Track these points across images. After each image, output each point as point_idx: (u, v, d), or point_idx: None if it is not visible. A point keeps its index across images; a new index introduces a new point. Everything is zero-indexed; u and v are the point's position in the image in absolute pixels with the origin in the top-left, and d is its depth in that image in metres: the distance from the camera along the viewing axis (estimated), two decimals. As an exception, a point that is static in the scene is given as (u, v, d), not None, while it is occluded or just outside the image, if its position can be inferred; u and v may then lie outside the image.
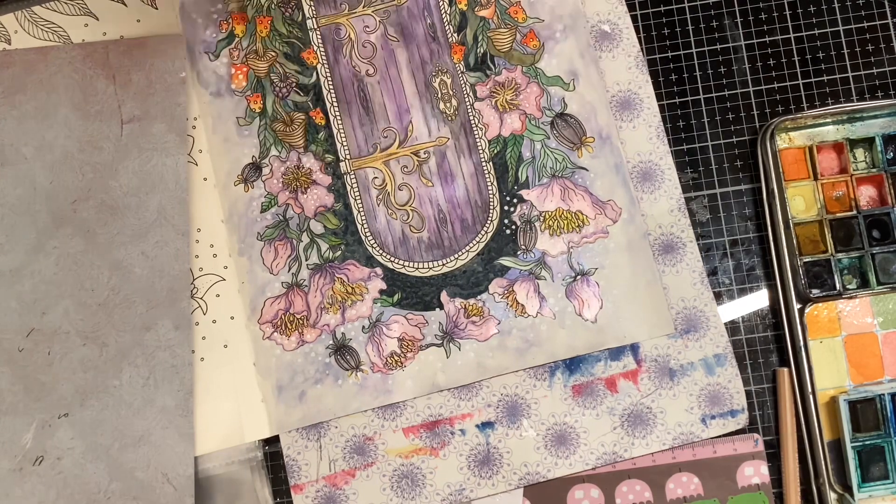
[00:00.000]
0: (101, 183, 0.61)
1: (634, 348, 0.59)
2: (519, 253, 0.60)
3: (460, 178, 0.61)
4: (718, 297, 0.59)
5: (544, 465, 0.58)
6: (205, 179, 0.62)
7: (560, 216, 0.60)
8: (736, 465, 0.57)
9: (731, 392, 0.57)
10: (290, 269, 0.61)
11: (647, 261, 0.59)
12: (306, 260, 0.61)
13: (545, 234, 0.60)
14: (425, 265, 0.60)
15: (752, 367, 0.59)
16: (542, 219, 0.60)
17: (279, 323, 0.61)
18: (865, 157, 0.59)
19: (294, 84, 0.62)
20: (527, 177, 0.60)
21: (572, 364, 0.59)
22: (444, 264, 0.60)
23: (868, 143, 0.58)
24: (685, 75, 0.61)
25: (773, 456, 0.57)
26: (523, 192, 0.60)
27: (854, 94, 0.60)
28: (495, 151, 0.61)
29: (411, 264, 0.61)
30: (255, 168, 0.62)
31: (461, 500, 0.59)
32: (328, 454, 0.59)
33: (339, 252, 0.61)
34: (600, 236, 0.59)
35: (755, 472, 0.57)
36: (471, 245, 0.60)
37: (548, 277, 0.59)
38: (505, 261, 0.60)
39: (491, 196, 0.61)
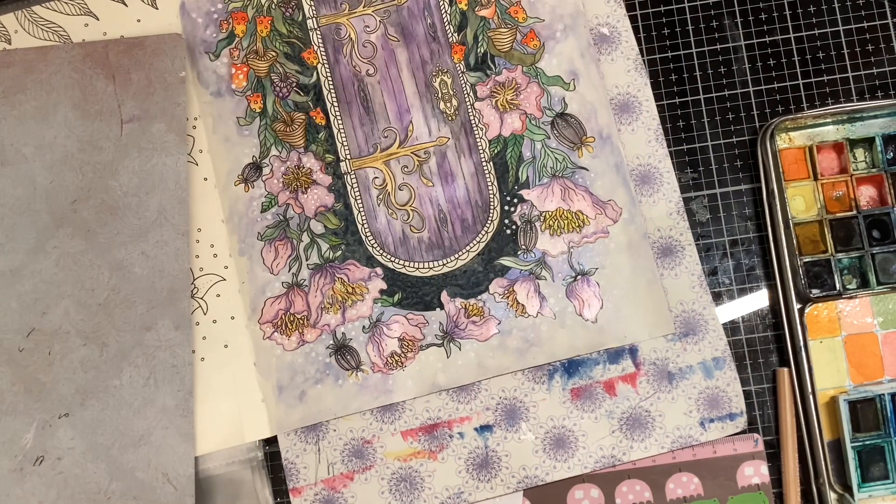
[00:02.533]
0: (101, 183, 0.61)
1: (633, 351, 0.59)
2: (519, 253, 0.60)
3: (461, 178, 0.61)
4: (718, 297, 0.59)
5: (543, 469, 0.58)
6: (205, 179, 0.62)
7: (560, 216, 0.60)
8: (736, 465, 0.57)
9: (729, 395, 0.57)
10: (290, 269, 0.61)
11: (648, 261, 0.59)
12: (307, 260, 0.61)
13: (545, 234, 0.60)
14: (426, 265, 0.60)
15: (752, 367, 0.58)
16: (542, 219, 0.60)
17: (279, 323, 0.60)
18: (865, 157, 0.59)
19: (294, 84, 0.62)
20: (527, 177, 0.60)
21: (571, 367, 0.59)
22: (444, 264, 0.60)
23: (868, 143, 0.58)
24: (685, 75, 0.61)
25: (773, 456, 0.57)
26: (524, 192, 0.60)
27: (854, 94, 0.60)
28: (496, 151, 0.61)
29: (412, 264, 0.60)
30: (256, 168, 0.62)
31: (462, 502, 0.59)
32: (326, 457, 0.59)
33: (340, 252, 0.61)
34: (601, 236, 0.59)
35: (755, 472, 0.57)
36: (471, 245, 0.60)
37: (548, 277, 0.59)
38: (505, 261, 0.60)
39: (491, 196, 0.60)
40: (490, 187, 0.60)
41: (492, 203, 0.60)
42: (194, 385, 0.59)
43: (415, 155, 0.61)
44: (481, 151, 0.61)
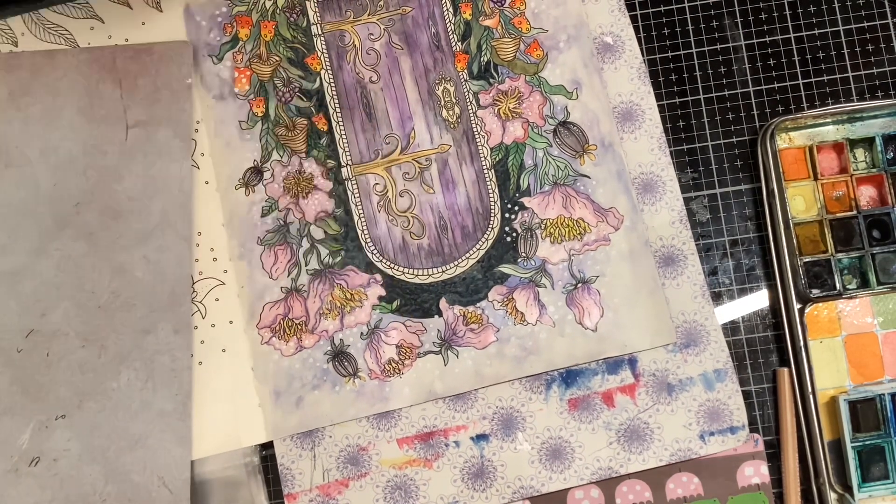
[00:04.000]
0: (104, 186, 0.61)
1: (632, 362, 0.58)
2: (519, 260, 0.59)
3: (462, 186, 0.61)
4: (718, 297, 0.59)
5: (538, 479, 0.57)
6: (206, 183, 0.62)
7: (561, 224, 0.59)
8: (736, 465, 0.57)
9: (730, 408, 0.56)
10: (289, 275, 0.61)
11: (650, 269, 0.58)
12: (306, 265, 0.61)
13: (546, 242, 0.59)
14: (425, 272, 0.60)
15: (752, 367, 0.58)
16: (543, 226, 0.59)
17: (278, 328, 0.60)
18: (865, 157, 0.59)
19: (297, 89, 0.62)
20: (528, 184, 0.60)
21: (569, 377, 0.58)
22: (443, 271, 0.60)
23: (868, 143, 0.58)
24: (685, 75, 0.61)
25: (773, 456, 0.57)
26: (524, 200, 0.60)
27: (854, 94, 0.60)
28: (497, 159, 0.60)
29: (411, 271, 0.60)
30: (257, 172, 0.62)
31: (456, 511, 0.58)
32: (322, 463, 0.59)
33: (339, 258, 0.61)
34: (602, 244, 0.59)
35: (755, 472, 0.57)
36: (471, 252, 0.60)
37: (548, 285, 0.59)
38: (505, 268, 0.59)
39: (492, 203, 0.60)
40: (491, 195, 0.60)
41: (492, 210, 0.60)
42: (192, 389, 0.59)
43: (416, 162, 0.61)
44: (483, 159, 0.61)
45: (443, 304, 0.59)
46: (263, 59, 0.62)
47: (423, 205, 0.61)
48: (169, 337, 0.59)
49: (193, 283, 0.61)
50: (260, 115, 0.62)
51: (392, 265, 0.60)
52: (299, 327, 0.60)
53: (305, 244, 0.61)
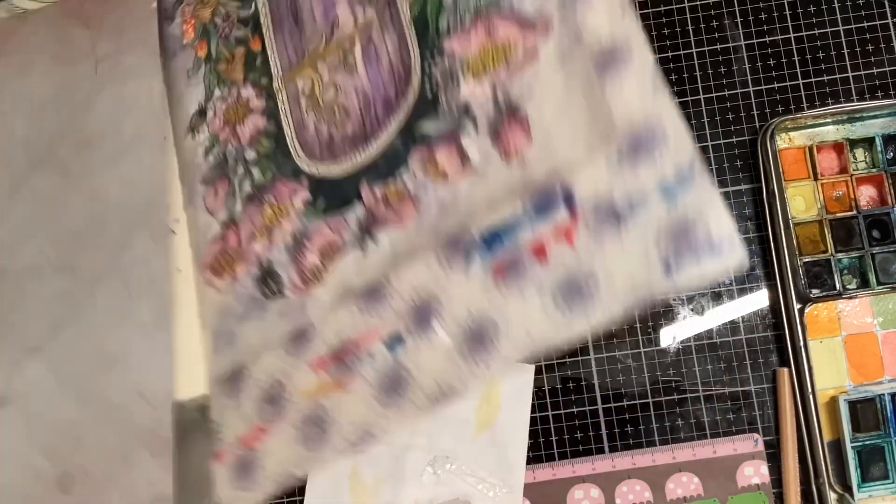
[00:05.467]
0: (78, 118, 0.61)
1: (568, 198, 0.41)
2: (442, 113, 0.47)
3: (385, 55, 0.50)
4: (718, 297, 0.57)
5: (460, 378, 0.42)
6: (165, 139, 0.59)
7: (484, 55, 0.46)
8: (736, 465, 0.56)
9: (705, 217, 0.36)
10: (226, 206, 0.54)
11: (583, 65, 0.42)
12: (240, 192, 0.54)
13: (469, 81, 0.46)
14: (349, 160, 0.50)
15: (752, 367, 0.57)
16: (465, 65, 0.47)
17: (216, 265, 0.53)
18: (865, 157, 0.58)
19: (235, 20, 0.58)
20: (447, 24, 0.48)
21: (492, 240, 0.43)
22: (365, 151, 0.49)
23: (868, 143, 0.57)
24: (685, 75, 0.59)
25: (773, 456, 0.56)
26: (445, 44, 0.48)
27: (854, 94, 0.59)
28: (416, 12, 0.49)
29: (336, 164, 0.50)
30: (201, 114, 0.57)
31: (371, 439, 0.44)
32: (246, 411, 0.49)
33: (270, 174, 0.53)
34: (530, 61, 0.44)
35: (755, 472, 0.56)
36: (392, 122, 0.48)
37: (471, 130, 0.45)
38: (426, 125, 0.47)
39: (412, 62, 0.49)
40: (412, 52, 0.49)
41: (412, 68, 0.49)
42: (173, 298, 0.55)
43: (340, 47, 0.52)
44: (402, 16, 0.50)
45: (363, 187, 0.48)
46: (205, 2, 0.59)
47: (348, 89, 0.51)
48: (147, 245, 0.56)
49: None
50: (203, 57, 0.58)
51: (318, 164, 0.51)
52: (232, 259, 0.52)
53: (240, 170, 0.54)
